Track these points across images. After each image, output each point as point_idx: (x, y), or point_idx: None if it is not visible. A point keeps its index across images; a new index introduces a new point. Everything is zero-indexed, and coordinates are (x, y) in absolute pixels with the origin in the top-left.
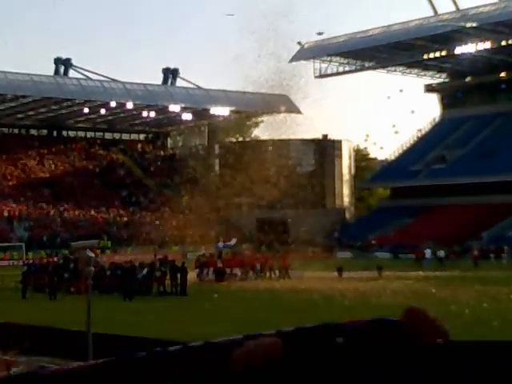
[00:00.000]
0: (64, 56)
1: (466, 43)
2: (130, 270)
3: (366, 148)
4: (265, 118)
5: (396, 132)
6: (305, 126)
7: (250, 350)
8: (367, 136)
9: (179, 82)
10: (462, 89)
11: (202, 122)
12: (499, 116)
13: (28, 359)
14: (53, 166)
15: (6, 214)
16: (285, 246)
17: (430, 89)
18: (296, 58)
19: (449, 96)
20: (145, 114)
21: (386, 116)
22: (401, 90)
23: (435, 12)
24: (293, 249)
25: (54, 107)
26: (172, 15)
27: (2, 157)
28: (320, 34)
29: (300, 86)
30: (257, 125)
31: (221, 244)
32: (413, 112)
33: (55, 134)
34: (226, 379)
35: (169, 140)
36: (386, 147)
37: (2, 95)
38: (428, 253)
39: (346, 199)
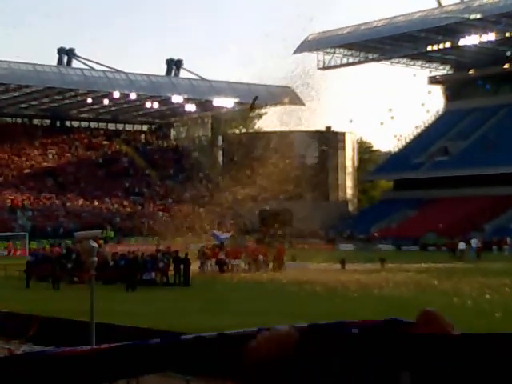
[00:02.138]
0: (67, 46)
1: (469, 35)
2: (133, 260)
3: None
4: (268, 109)
5: (392, 117)
6: (308, 118)
7: (264, 340)
8: (390, 110)
9: (183, 73)
10: (466, 81)
11: (205, 113)
12: (502, 108)
13: (31, 349)
14: (56, 156)
15: (9, 203)
16: (286, 238)
17: (433, 81)
18: (300, 49)
19: (452, 88)
20: (148, 104)
21: (390, 107)
22: (414, 75)
23: (439, 4)
24: (295, 241)
25: (57, 97)
26: (176, 6)
27: (5, 146)
28: None
29: (303, 78)
30: (260, 116)
31: (218, 233)
32: (390, 110)
33: (58, 124)
34: (239, 370)
35: (172, 131)
36: (389, 138)
37: (5, 85)
38: (474, 242)
39: (349, 191)
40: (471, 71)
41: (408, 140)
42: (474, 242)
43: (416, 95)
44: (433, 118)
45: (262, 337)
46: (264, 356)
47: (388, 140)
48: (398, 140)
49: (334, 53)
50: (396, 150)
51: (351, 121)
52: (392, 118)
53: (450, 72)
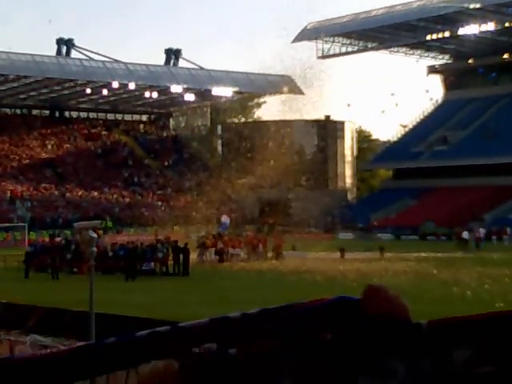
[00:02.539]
0: (66, 36)
1: (469, 24)
2: (133, 250)
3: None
4: (267, 98)
5: (396, 104)
6: (307, 107)
7: (144, 377)
8: (393, 95)
9: (182, 63)
10: (465, 70)
11: (204, 102)
12: (502, 97)
13: (31, 338)
14: (55, 146)
15: (8, 194)
16: (285, 227)
17: (432, 70)
18: (299, 38)
19: (451, 77)
20: (147, 94)
21: (389, 96)
22: (417, 60)
23: None
24: (294, 230)
25: (56, 88)
26: None
27: (4, 137)
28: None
29: (302, 67)
30: (259, 106)
31: (224, 220)
32: (393, 94)
33: (57, 114)
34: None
35: (171, 121)
36: (388, 127)
37: (4, 75)
38: (482, 232)
39: (348, 180)
40: (470, 61)
41: (407, 129)
42: (482, 232)
43: (415, 84)
44: (432, 108)
45: (143, 373)
46: None
47: (388, 128)
48: (404, 127)
49: (333, 41)
50: (395, 139)
51: (349, 105)
52: (396, 104)
53: (449, 61)
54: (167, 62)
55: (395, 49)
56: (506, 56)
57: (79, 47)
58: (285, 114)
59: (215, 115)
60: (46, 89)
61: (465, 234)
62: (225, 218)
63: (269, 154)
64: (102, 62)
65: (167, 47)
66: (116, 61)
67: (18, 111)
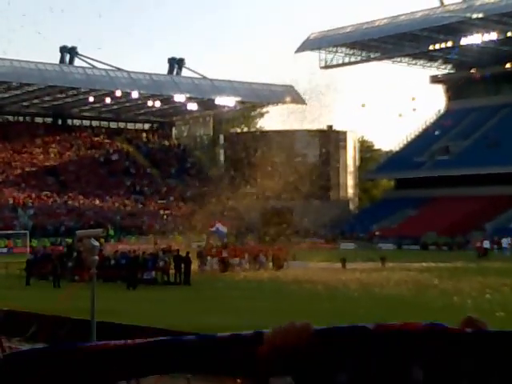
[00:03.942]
0: (70, 44)
1: (471, 34)
2: (134, 259)
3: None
4: (270, 108)
5: (414, 109)
6: (310, 117)
7: (281, 331)
8: (413, 99)
9: (185, 72)
10: (467, 80)
11: (207, 112)
12: (504, 107)
13: (31, 347)
14: (57, 154)
15: (10, 201)
16: (287, 237)
17: (435, 80)
18: (302, 48)
19: (454, 87)
20: (150, 103)
21: (391, 107)
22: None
23: (441, 3)
24: (296, 240)
25: (59, 95)
26: (178, 4)
27: (7, 144)
28: None
29: (305, 77)
30: (262, 115)
31: (218, 227)
32: (413, 99)
33: (60, 122)
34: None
35: (174, 130)
36: (390, 137)
37: (7, 83)
38: (506, 242)
39: (351, 190)
40: (473, 70)
41: (409, 139)
42: (506, 242)
43: (418, 94)
44: (434, 117)
45: (278, 327)
46: (279, 345)
47: (390, 138)
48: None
49: (336, 52)
50: (397, 149)
51: (363, 105)
52: (414, 109)
53: (451, 71)
54: (170, 71)
55: (398, 59)
56: (508, 65)
57: (82, 55)
58: (287, 124)
59: (218, 125)
60: (49, 97)
61: (486, 244)
62: (219, 226)
63: (271, 163)
64: (105, 70)
65: (170, 56)
66: (119, 69)
67: (21, 119)
